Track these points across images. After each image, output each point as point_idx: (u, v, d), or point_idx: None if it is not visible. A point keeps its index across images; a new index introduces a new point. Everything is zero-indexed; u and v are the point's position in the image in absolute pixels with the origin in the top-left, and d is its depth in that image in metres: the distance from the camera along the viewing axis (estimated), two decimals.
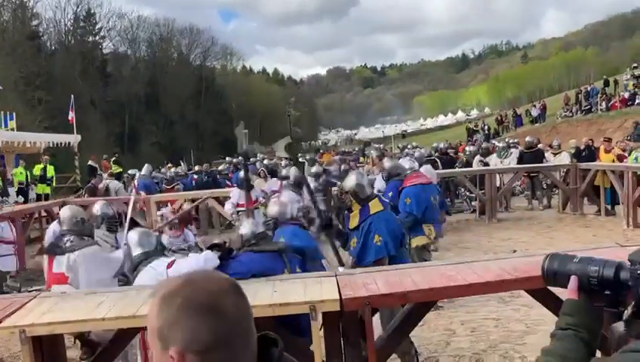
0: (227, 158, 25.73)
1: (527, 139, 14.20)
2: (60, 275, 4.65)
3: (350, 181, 4.96)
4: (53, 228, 7.26)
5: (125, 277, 4.58)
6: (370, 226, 4.70)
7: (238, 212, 9.24)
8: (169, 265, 3.90)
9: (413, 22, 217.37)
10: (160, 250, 4.43)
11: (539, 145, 14.29)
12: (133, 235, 4.34)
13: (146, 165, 14.41)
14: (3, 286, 7.68)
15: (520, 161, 13.27)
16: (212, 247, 4.06)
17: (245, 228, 4.25)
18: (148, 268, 4.00)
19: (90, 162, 18.57)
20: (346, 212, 5.25)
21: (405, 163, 7.41)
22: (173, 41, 62.77)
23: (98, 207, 6.13)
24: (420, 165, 9.14)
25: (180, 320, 0.96)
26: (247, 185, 7.55)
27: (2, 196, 13.73)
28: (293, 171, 9.92)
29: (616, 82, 32.63)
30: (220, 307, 0.98)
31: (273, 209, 4.82)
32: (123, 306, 3.24)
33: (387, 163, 8.58)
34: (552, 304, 3.61)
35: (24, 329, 3.05)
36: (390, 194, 7.83)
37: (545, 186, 13.49)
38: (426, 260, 6.83)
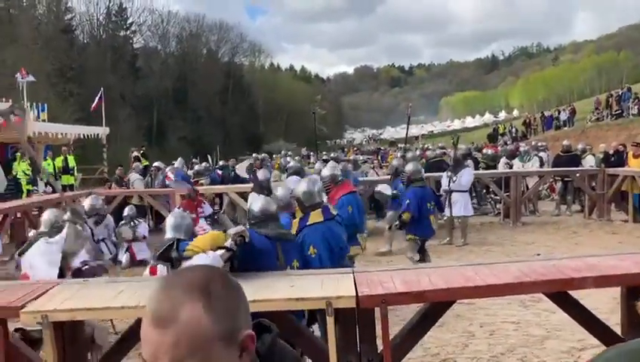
0: (254, 155, 26.01)
1: (565, 142, 14.10)
2: (25, 275, 4.62)
3: (300, 187, 4.80)
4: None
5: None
6: (304, 237, 4.51)
7: None
8: None
9: (441, 21, 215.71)
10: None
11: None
12: (170, 218, 4.37)
13: (179, 158, 14.93)
14: None
15: (555, 165, 13.13)
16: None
17: (256, 205, 4.20)
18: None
19: (134, 153, 19.21)
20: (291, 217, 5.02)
21: (326, 171, 6.87)
22: (202, 37, 63.29)
23: (88, 201, 6.18)
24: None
25: (236, 304, 0.93)
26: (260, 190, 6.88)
27: (33, 185, 14.06)
28: (261, 174, 9.59)
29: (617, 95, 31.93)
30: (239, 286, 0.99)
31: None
32: (142, 295, 3.29)
33: (408, 166, 8.42)
34: (572, 309, 3.57)
35: (46, 314, 3.12)
36: (408, 202, 7.62)
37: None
38: None
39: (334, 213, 4.85)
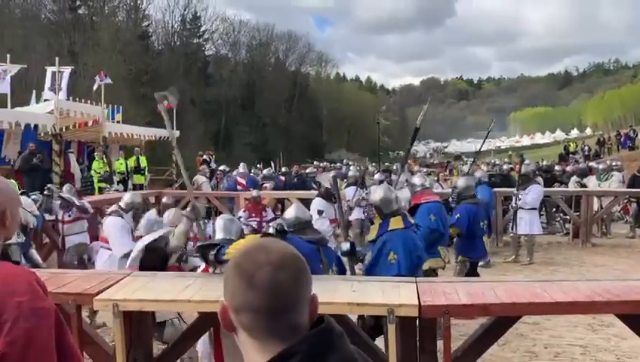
0: (315, 163, 26.33)
1: None
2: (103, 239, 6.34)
3: (377, 194, 4.80)
4: (147, 216, 7.70)
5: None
6: (385, 243, 4.47)
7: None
8: None
9: (512, 35, 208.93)
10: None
11: None
12: (219, 221, 4.43)
13: (242, 163, 15.26)
14: None
15: (631, 185, 12.53)
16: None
17: (290, 213, 4.26)
18: None
19: (204, 156, 19.93)
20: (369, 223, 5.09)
21: (416, 180, 6.88)
22: (271, 46, 64.49)
23: (127, 196, 6.80)
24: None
25: (227, 280, 1.11)
26: (335, 197, 6.36)
27: (107, 183, 14.70)
28: (323, 182, 9.56)
29: None
30: (253, 279, 1.05)
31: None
32: (208, 290, 3.37)
33: (459, 182, 7.88)
34: None
35: (117, 303, 3.26)
36: (458, 216, 7.05)
37: None
38: None
39: (412, 221, 4.84)
